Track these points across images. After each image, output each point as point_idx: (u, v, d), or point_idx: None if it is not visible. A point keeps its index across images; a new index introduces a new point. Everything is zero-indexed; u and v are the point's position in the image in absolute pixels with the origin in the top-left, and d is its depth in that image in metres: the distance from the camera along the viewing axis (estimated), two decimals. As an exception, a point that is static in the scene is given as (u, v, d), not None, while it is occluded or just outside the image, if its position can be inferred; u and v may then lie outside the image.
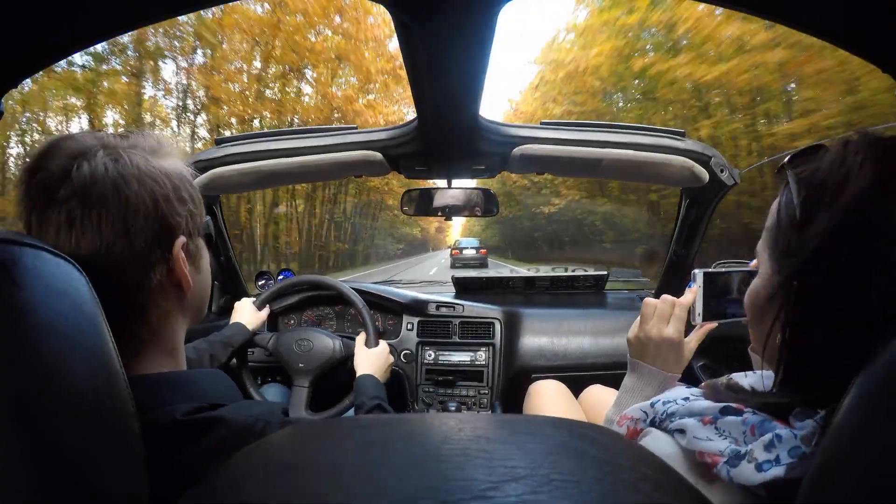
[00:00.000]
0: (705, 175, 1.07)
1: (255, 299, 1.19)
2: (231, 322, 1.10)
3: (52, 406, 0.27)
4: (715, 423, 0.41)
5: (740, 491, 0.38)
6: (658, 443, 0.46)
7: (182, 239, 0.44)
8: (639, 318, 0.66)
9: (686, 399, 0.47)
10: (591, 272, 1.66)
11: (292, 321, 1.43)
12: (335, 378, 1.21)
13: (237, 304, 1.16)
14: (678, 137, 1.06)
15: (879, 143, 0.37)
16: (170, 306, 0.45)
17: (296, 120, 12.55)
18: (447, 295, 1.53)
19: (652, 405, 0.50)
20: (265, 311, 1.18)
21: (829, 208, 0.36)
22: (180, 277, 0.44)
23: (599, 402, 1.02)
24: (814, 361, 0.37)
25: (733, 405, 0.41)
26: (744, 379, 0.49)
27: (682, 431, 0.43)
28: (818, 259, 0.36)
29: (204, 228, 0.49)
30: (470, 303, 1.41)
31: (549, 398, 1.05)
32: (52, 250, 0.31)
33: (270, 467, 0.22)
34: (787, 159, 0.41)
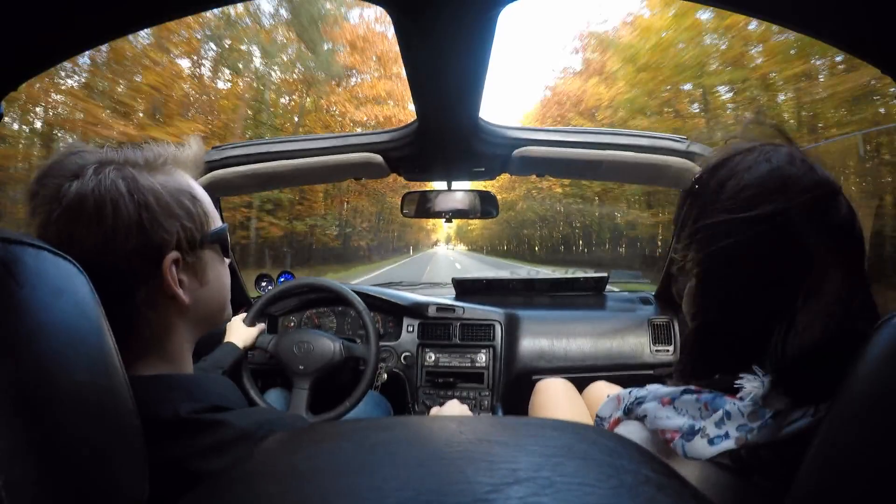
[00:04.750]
0: None
1: (245, 316, 1.19)
2: (224, 341, 1.10)
3: (53, 401, 0.27)
4: (673, 403, 0.46)
5: (706, 462, 0.42)
6: (631, 432, 0.49)
7: (173, 255, 0.43)
8: None
9: (658, 388, 0.52)
10: (592, 274, 1.66)
11: (293, 322, 1.43)
12: (336, 380, 1.20)
13: (230, 324, 1.16)
14: (678, 139, 1.06)
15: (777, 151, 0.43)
16: (167, 319, 0.45)
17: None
18: (447, 297, 1.53)
19: (629, 392, 0.55)
20: (257, 327, 1.18)
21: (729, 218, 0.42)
22: (172, 293, 0.43)
23: (603, 399, 1.02)
24: (717, 343, 0.45)
25: (692, 387, 0.46)
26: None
27: (646, 416, 0.48)
28: (716, 253, 0.43)
29: (212, 238, 0.47)
30: (470, 305, 1.41)
31: (556, 397, 1.05)
32: (53, 249, 0.31)
33: (271, 470, 0.22)
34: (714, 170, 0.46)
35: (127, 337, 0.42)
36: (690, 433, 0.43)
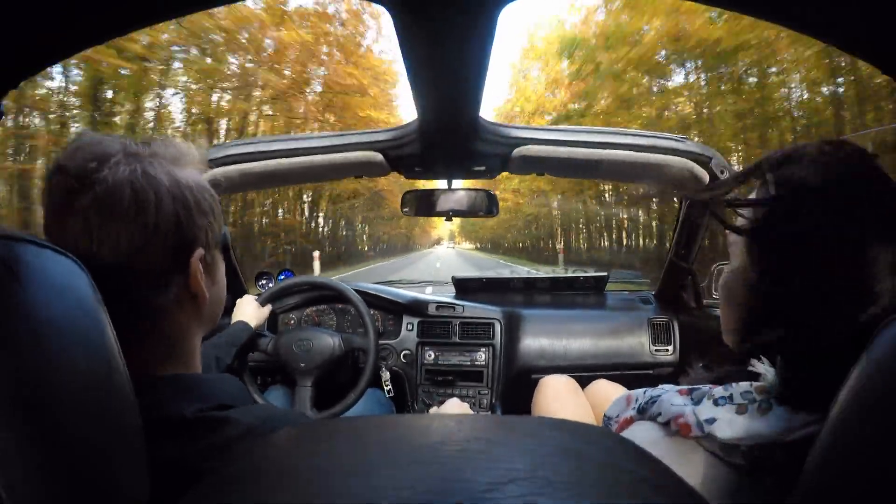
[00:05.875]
0: (706, 176, 1.07)
1: (257, 296, 1.20)
2: (233, 320, 1.10)
3: (54, 400, 0.27)
4: (691, 394, 0.47)
5: (718, 462, 0.42)
6: (643, 431, 0.49)
7: (200, 252, 0.43)
8: None
9: (672, 387, 0.52)
10: (592, 273, 1.66)
11: (292, 320, 1.44)
12: (337, 375, 1.21)
13: (239, 301, 1.17)
14: (678, 139, 1.06)
15: (854, 151, 0.42)
16: (185, 318, 0.44)
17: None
18: (447, 295, 1.53)
19: (644, 392, 0.55)
20: (267, 309, 1.19)
21: (806, 207, 0.41)
22: (196, 290, 0.43)
23: (606, 396, 1.03)
24: (773, 326, 0.42)
25: (709, 385, 0.47)
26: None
27: (660, 414, 0.48)
28: (792, 250, 0.41)
29: (221, 239, 0.48)
30: (470, 303, 1.41)
31: (559, 394, 1.05)
32: (55, 247, 0.31)
33: (269, 468, 0.22)
34: (765, 161, 0.45)
35: (150, 337, 0.42)
36: (699, 401, 0.44)
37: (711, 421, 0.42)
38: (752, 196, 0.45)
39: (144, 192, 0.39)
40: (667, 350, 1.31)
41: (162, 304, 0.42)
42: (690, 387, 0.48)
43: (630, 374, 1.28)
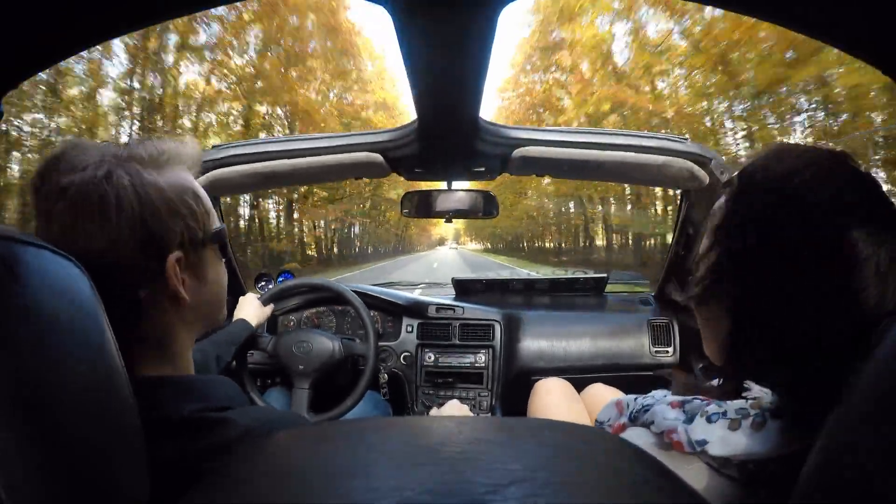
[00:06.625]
0: (705, 177, 1.07)
1: (259, 295, 1.20)
2: (234, 318, 1.10)
3: (54, 401, 0.27)
4: (683, 407, 0.47)
5: (713, 473, 0.42)
6: (637, 437, 0.49)
7: (176, 254, 0.43)
8: None
9: (664, 395, 0.52)
10: (591, 274, 1.66)
11: (292, 322, 1.43)
12: (335, 380, 1.21)
13: (242, 299, 1.16)
14: (679, 140, 1.06)
15: (820, 157, 0.40)
16: (168, 319, 0.44)
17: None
18: (447, 297, 1.53)
19: (635, 399, 0.55)
20: (269, 308, 1.19)
21: (775, 211, 0.39)
22: (175, 292, 0.43)
23: (602, 400, 1.03)
24: (757, 343, 0.41)
25: (700, 396, 0.47)
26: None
27: (653, 422, 0.48)
28: (764, 253, 0.40)
29: (214, 238, 0.48)
30: (470, 305, 1.41)
31: (554, 397, 1.05)
32: (54, 249, 0.31)
33: (268, 469, 0.22)
34: (742, 170, 0.44)
35: (132, 338, 0.42)
36: (691, 419, 0.44)
37: (703, 443, 0.42)
38: (719, 203, 0.44)
39: (106, 194, 0.40)
40: (667, 351, 1.31)
41: (138, 303, 0.42)
42: (682, 399, 0.47)
43: (630, 375, 1.28)
